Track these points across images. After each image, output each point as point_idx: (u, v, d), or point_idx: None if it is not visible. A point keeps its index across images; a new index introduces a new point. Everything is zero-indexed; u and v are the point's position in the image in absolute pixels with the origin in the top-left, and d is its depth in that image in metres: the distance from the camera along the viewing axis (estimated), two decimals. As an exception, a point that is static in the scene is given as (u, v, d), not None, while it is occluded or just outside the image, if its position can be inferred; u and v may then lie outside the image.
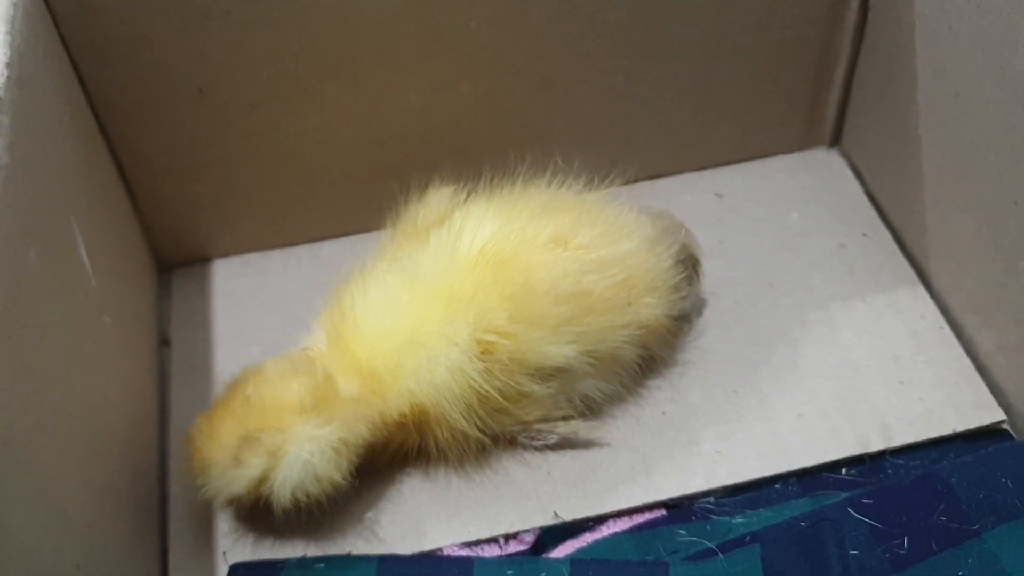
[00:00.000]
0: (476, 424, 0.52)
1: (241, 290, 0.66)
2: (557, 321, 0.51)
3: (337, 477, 0.49)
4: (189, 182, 0.63)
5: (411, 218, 0.58)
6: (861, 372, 0.59)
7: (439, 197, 0.58)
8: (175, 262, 0.68)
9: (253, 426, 0.48)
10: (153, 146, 0.61)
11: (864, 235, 0.67)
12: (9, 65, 0.44)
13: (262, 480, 0.48)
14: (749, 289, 0.64)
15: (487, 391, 0.51)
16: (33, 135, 0.46)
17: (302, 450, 0.48)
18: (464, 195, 0.58)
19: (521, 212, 0.54)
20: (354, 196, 0.67)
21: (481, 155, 0.65)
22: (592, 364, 0.53)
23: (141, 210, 0.64)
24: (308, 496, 0.49)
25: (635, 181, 0.70)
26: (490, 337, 0.50)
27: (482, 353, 0.51)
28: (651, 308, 0.54)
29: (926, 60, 0.59)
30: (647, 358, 0.58)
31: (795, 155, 0.73)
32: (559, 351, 0.52)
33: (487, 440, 0.54)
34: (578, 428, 0.56)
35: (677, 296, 0.56)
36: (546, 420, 0.55)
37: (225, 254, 0.68)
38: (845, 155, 0.72)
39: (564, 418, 0.55)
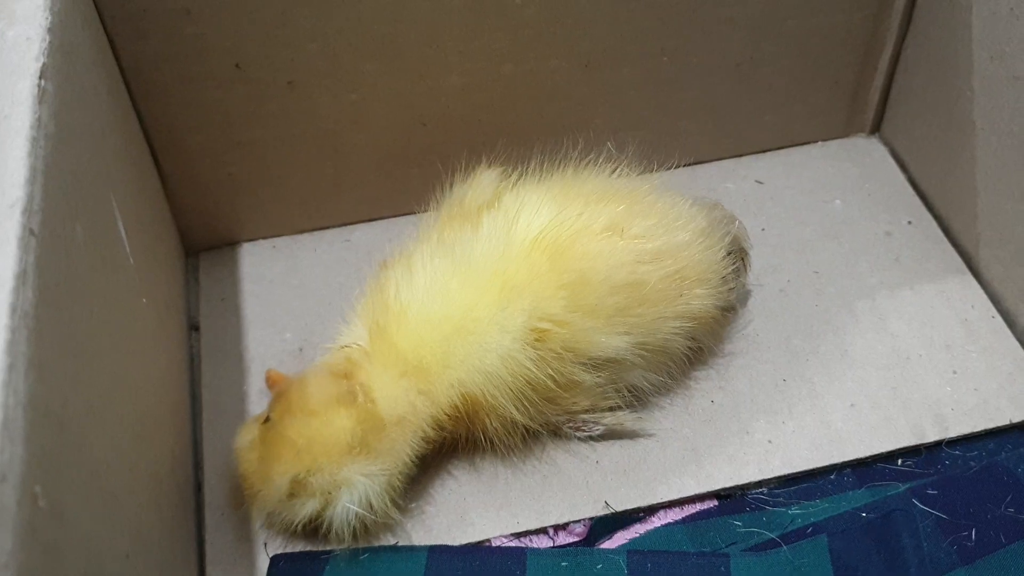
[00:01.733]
0: (526, 413, 0.51)
1: (271, 274, 0.64)
2: (611, 311, 0.50)
3: (392, 507, 0.49)
4: (221, 162, 0.61)
5: (457, 199, 0.56)
6: (912, 361, 0.58)
7: (487, 178, 0.56)
8: (202, 245, 0.66)
9: (303, 468, 0.47)
10: (186, 123, 0.59)
11: (909, 223, 0.65)
12: (51, 30, 0.42)
13: (317, 517, 0.48)
14: (794, 277, 0.63)
15: (538, 379, 0.49)
16: (75, 105, 0.44)
17: (355, 490, 0.48)
18: (513, 178, 0.56)
19: (576, 198, 0.52)
20: (390, 179, 0.65)
21: (522, 137, 0.64)
22: (642, 355, 0.52)
23: (171, 191, 0.62)
24: (367, 527, 0.49)
25: (676, 167, 0.69)
26: (544, 325, 0.49)
27: (535, 341, 0.49)
28: (701, 300, 0.53)
29: (983, 43, 0.58)
30: (695, 348, 0.56)
31: (835, 142, 0.71)
32: (611, 341, 0.50)
33: (536, 428, 0.52)
34: (624, 420, 0.54)
35: (726, 288, 0.55)
36: (593, 411, 0.53)
37: (253, 238, 0.66)
38: (886, 143, 0.71)
39: (611, 409, 0.54)
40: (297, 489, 0.48)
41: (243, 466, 0.50)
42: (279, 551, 0.51)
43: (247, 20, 0.54)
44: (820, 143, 0.71)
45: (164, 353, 0.53)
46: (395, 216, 0.67)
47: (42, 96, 0.39)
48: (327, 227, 0.67)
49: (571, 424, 0.54)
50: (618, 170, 0.56)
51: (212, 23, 0.54)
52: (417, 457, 0.51)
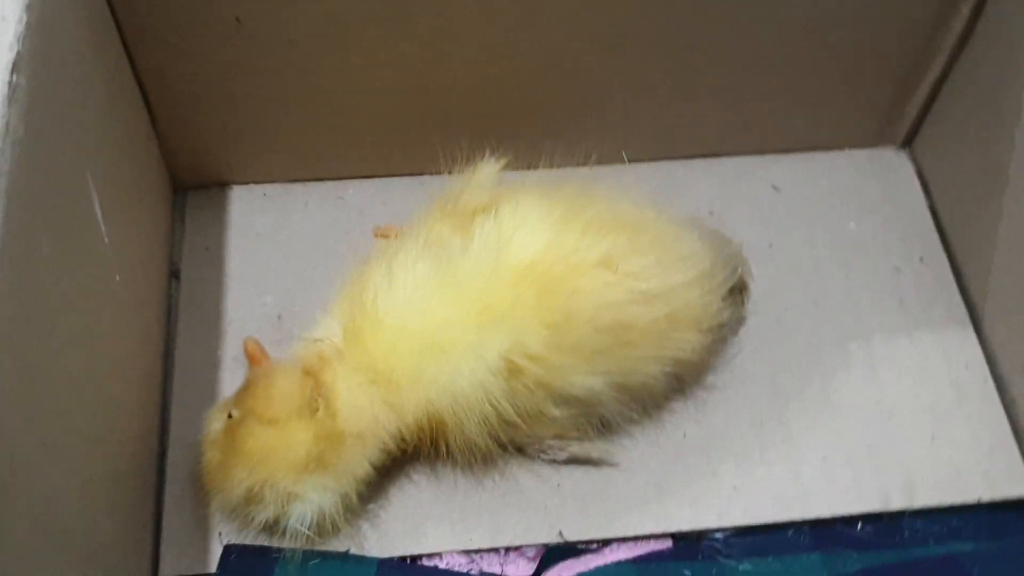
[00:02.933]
0: (491, 436, 0.50)
1: (258, 227, 0.62)
2: (591, 351, 0.48)
3: (345, 519, 0.49)
4: (214, 111, 0.58)
5: (453, 196, 0.53)
6: (894, 419, 0.57)
7: (486, 175, 0.54)
8: (192, 183, 0.63)
9: (257, 480, 0.47)
10: (180, 71, 0.55)
11: (921, 260, 0.63)
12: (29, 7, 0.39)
13: (271, 523, 0.48)
14: (792, 306, 0.61)
15: (507, 409, 0.49)
16: (52, 81, 0.40)
17: (308, 505, 0.47)
18: (513, 182, 0.53)
19: (574, 224, 0.49)
20: (389, 140, 0.62)
21: (534, 115, 0.61)
22: (617, 395, 0.51)
23: (160, 131, 0.59)
24: (322, 534, 0.49)
25: (692, 157, 0.66)
26: (521, 360, 0.48)
27: (509, 373, 0.48)
28: (690, 344, 0.51)
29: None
30: (675, 379, 0.55)
31: (863, 152, 0.67)
32: (586, 381, 0.49)
33: (498, 450, 0.52)
34: (590, 450, 0.54)
35: (720, 334, 0.53)
36: (559, 438, 0.53)
37: (244, 181, 0.64)
38: (915, 160, 0.67)
39: (578, 437, 0.53)
40: (251, 498, 0.48)
41: (205, 460, 0.50)
42: (233, 541, 0.51)
43: (249, -24, 0.50)
44: (847, 150, 0.67)
45: (138, 326, 0.52)
46: (392, 176, 0.64)
47: (12, 95, 0.36)
48: (321, 179, 0.64)
49: (536, 447, 0.53)
50: (626, 193, 0.53)
51: (213, -23, 0.50)
52: (376, 469, 0.50)
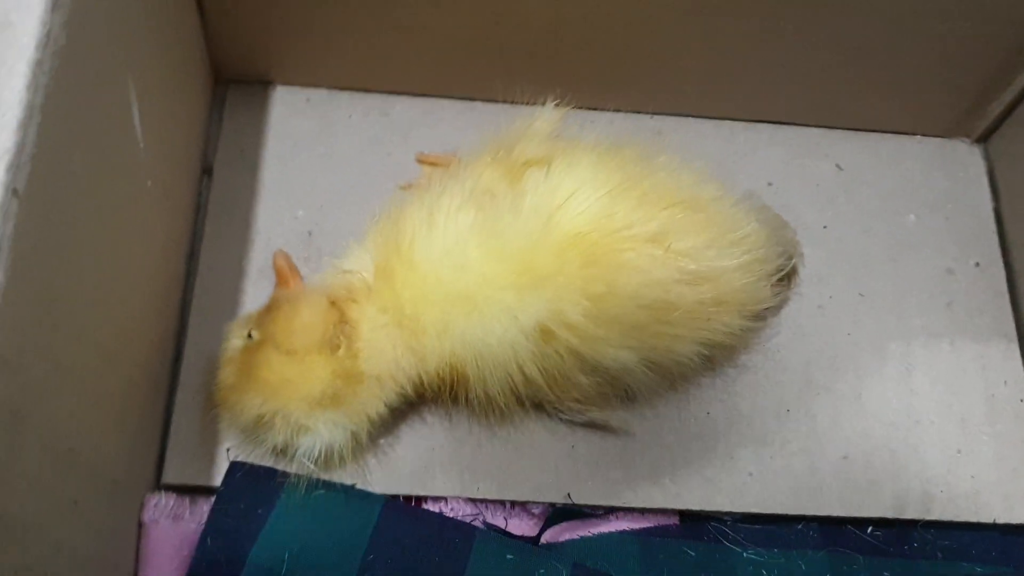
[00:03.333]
0: (513, 393, 0.49)
1: (298, 134, 0.59)
2: (629, 326, 0.47)
3: (353, 457, 0.48)
4: (266, 8, 0.55)
5: (507, 143, 0.51)
6: (922, 426, 0.56)
7: (544, 126, 0.51)
8: (234, 76, 0.60)
9: (269, 408, 0.46)
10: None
11: (976, 265, 0.60)
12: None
13: (282, 450, 0.47)
14: (838, 294, 0.59)
15: (533, 372, 0.47)
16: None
17: (317, 438, 0.47)
18: (570, 137, 0.51)
19: (629, 196, 0.47)
20: (445, 59, 0.59)
21: (604, 60, 0.58)
22: (648, 370, 0.49)
23: (207, 21, 0.56)
24: (327, 468, 0.48)
25: (758, 121, 0.63)
26: (557, 328, 0.46)
27: (542, 338, 0.46)
28: (730, 327, 0.49)
29: None
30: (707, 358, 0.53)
31: (935, 141, 0.64)
32: (619, 355, 0.47)
33: (517, 405, 0.50)
34: (609, 418, 0.52)
35: (763, 320, 0.51)
36: (581, 401, 0.51)
37: (289, 82, 0.61)
38: (988, 157, 0.64)
39: (600, 404, 0.52)
40: (261, 423, 0.47)
41: (219, 377, 0.49)
42: (241, 458, 0.50)
43: None
44: (919, 137, 0.64)
45: (165, 230, 0.50)
46: (442, 97, 0.61)
47: (57, 3, 0.34)
48: (368, 90, 0.61)
49: (556, 407, 0.52)
50: (687, 162, 0.50)
51: None
52: (390, 410, 0.49)
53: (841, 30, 0.55)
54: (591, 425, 0.53)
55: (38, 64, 0.32)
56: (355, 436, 0.48)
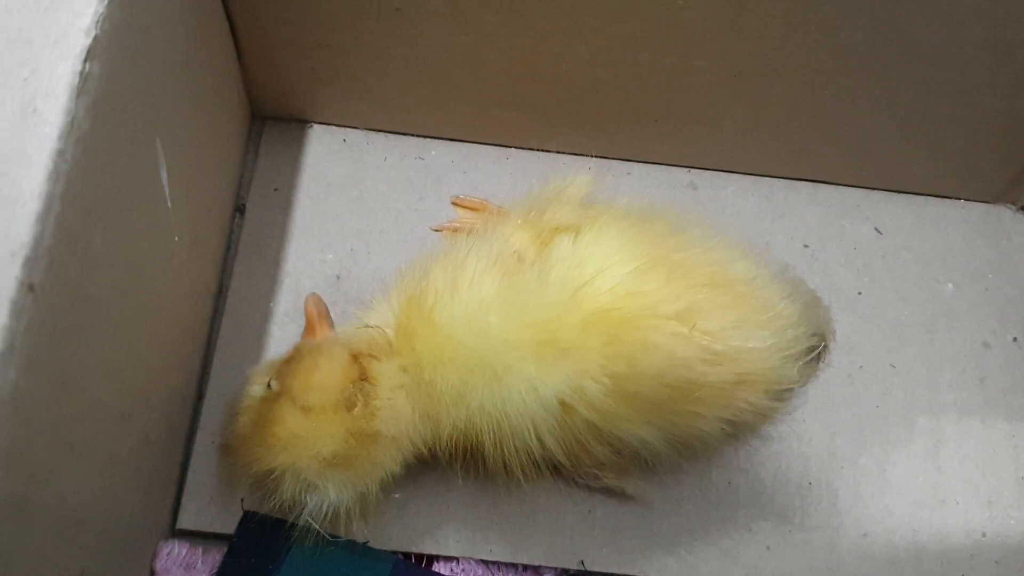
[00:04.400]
0: (528, 460, 0.48)
1: (332, 175, 0.59)
2: (651, 403, 0.46)
3: (362, 515, 0.47)
4: (304, 56, 0.55)
5: (539, 206, 0.50)
6: (947, 507, 0.55)
7: (576, 193, 0.51)
8: (271, 114, 0.60)
9: (280, 464, 0.46)
10: (273, 14, 0.52)
11: (1015, 340, 0.59)
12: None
13: (292, 506, 0.46)
14: (868, 365, 0.57)
15: (551, 444, 0.47)
16: (127, 49, 0.38)
17: (324, 499, 0.46)
18: (599, 208, 0.50)
19: (656, 272, 0.46)
20: (482, 109, 0.58)
21: (641, 118, 0.58)
22: (670, 445, 0.48)
23: (245, 64, 0.56)
24: (334, 528, 0.48)
25: (798, 179, 0.62)
26: (577, 404, 0.45)
27: (562, 412, 0.46)
28: (754, 406, 0.48)
29: None
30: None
31: (979, 207, 0.63)
32: (640, 431, 0.47)
33: (534, 470, 0.49)
34: (626, 486, 0.52)
35: (789, 398, 0.50)
36: (598, 468, 0.51)
37: (326, 122, 0.61)
38: (1034, 225, 0.62)
39: (618, 471, 0.51)
40: (271, 477, 0.47)
41: (237, 423, 0.49)
42: (255, 508, 0.51)
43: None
44: (962, 202, 0.63)
45: (192, 276, 0.51)
46: (477, 143, 0.61)
47: (83, 85, 0.34)
48: (405, 134, 0.61)
49: (574, 473, 0.52)
50: (720, 240, 0.50)
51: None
52: (405, 468, 0.49)
53: (887, 96, 0.54)
54: (608, 491, 0.53)
55: (60, 154, 0.33)
56: (364, 497, 0.48)
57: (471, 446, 0.48)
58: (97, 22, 0.35)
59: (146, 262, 0.43)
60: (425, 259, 0.50)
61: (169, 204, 0.45)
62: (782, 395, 0.51)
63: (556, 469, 0.52)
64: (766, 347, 0.47)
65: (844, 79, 0.53)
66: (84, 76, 0.34)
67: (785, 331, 0.48)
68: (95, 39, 0.34)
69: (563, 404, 0.46)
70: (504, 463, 0.48)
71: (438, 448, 0.48)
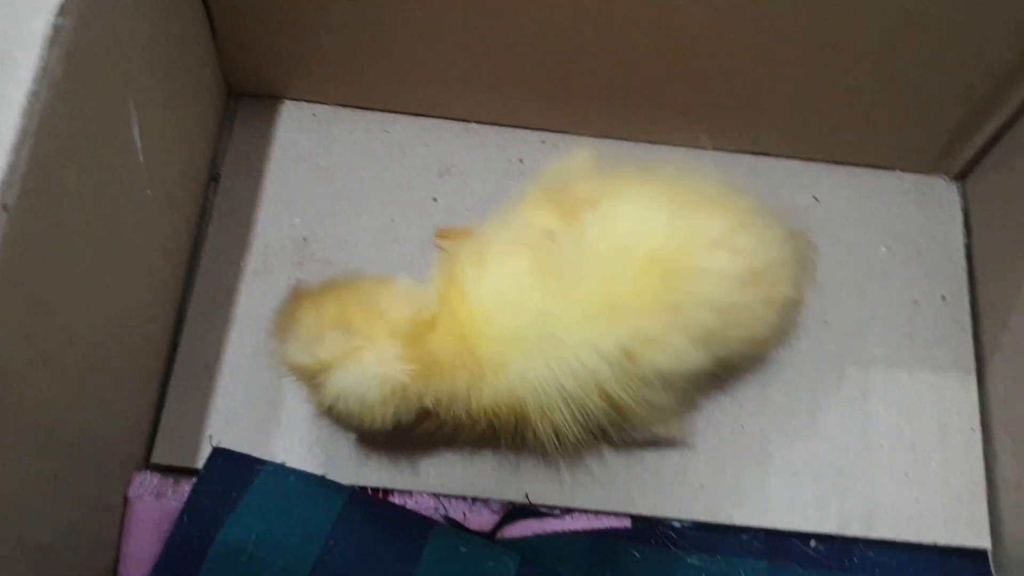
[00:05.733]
0: (581, 423, 0.50)
1: (301, 147, 0.64)
2: (706, 331, 0.49)
3: (379, 415, 0.48)
4: (275, 27, 0.59)
5: (555, 185, 0.53)
6: (872, 450, 0.58)
7: (585, 165, 0.54)
8: (246, 90, 0.65)
9: (349, 318, 0.48)
10: (245, -6, 0.57)
11: (943, 298, 0.63)
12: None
13: (323, 368, 0.48)
14: (801, 321, 0.61)
15: (616, 396, 0.49)
16: (102, 4, 0.43)
17: (366, 367, 0.47)
18: (607, 175, 0.53)
19: (686, 208, 0.50)
20: (443, 83, 0.63)
21: (592, 96, 0.61)
22: (711, 374, 0.52)
23: (220, 41, 0.60)
24: (345, 412, 0.48)
25: (739, 152, 0.66)
26: (638, 346, 0.48)
27: (626, 360, 0.48)
28: (771, 326, 0.52)
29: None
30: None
31: (913, 177, 0.66)
32: (700, 359, 0.49)
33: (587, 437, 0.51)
34: (675, 430, 0.55)
35: (791, 316, 0.55)
36: (650, 420, 0.53)
37: (296, 97, 0.65)
38: (965, 195, 0.66)
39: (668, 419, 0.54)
40: (330, 332, 0.48)
41: (301, 295, 0.51)
42: (222, 446, 0.55)
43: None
44: (897, 172, 0.66)
45: (166, 232, 0.55)
46: (441, 118, 0.65)
47: (56, 37, 0.39)
48: (372, 108, 0.65)
49: (621, 432, 0.53)
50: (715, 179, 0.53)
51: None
52: (429, 408, 0.50)
53: (824, 66, 0.58)
54: (655, 443, 0.56)
55: (34, 95, 0.37)
56: (392, 394, 0.47)
57: (514, 419, 0.50)
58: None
59: (119, 208, 0.47)
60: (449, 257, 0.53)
61: (141, 159, 0.49)
62: (786, 312, 0.54)
63: (602, 438, 0.53)
64: (783, 259, 0.52)
65: (774, 51, 0.57)
66: (57, 29, 0.39)
67: (790, 247, 0.53)
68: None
69: (627, 353, 0.48)
70: (555, 431, 0.50)
71: (481, 417, 0.50)
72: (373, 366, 0.47)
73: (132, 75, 0.47)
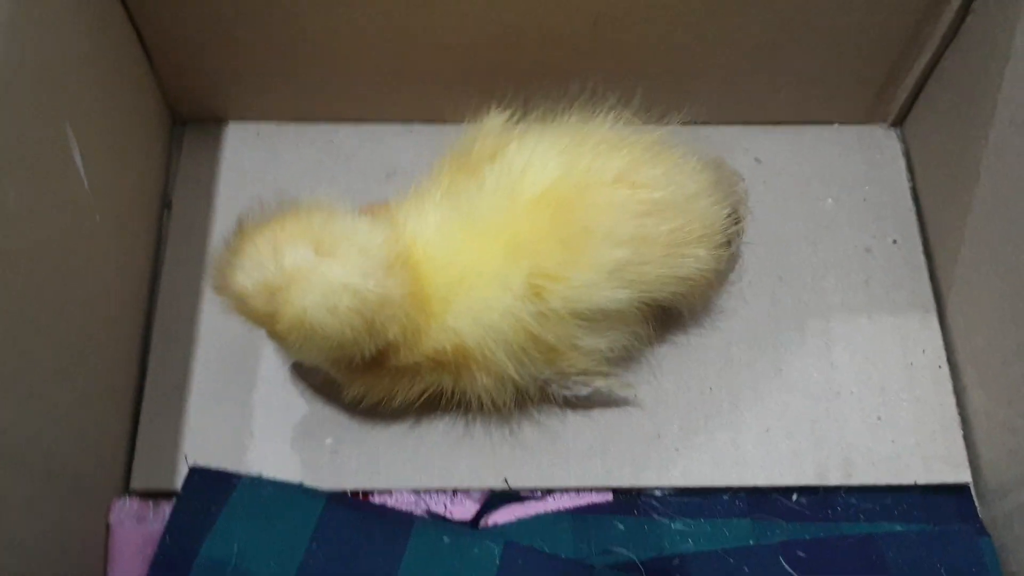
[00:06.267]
0: (522, 369, 0.51)
1: (248, 164, 0.65)
2: (612, 267, 0.49)
3: (350, 331, 0.46)
4: (209, 52, 0.60)
5: (465, 149, 0.54)
6: (842, 397, 0.59)
7: (493, 126, 0.54)
8: (190, 117, 0.66)
9: (316, 235, 0.46)
10: (174, 17, 0.57)
11: (894, 242, 0.63)
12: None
13: (286, 281, 0.45)
14: (756, 279, 0.62)
15: (541, 336, 0.50)
16: (32, 40, 0.43)
17: (336, 276, 0.45)
18: (518, 125, 0.54)
19: (584, 149, 0.51)
20: (378, 88, 0.64)
21: (523, 77, 0.61)
22: (639, 313, 0.52)
23: (158, 71, 0.61)
24: (310, 331, 0.46)
25: (679, 123, 0.66)
26: (543, 281, 0.49)
27: (535, 297, 0.49)
28: (701, 261, 0.52)
29: (1007, 103, 0.53)
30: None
31: (852, 128, 0.68)
32: (614, 295, 0.50)
33: (523, 386, 0.53)
34: (614, 386, 0.56)
35: (724, 251, 0.55)
36: (585, 373, 0.54)
37: (240, 118, 0.66)
38: (904, 139, 0.67)
39: (603, 374, 0.55)
40: (295, 240, 0.47)
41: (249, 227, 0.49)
42: (198, 465, 0.55)
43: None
44: (836, 125, 0.68)
45: (121, 257, 0.55)
46: (382, 122, 0.66)
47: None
48: (314, 121, 0.66)
49: (560, 384, 0.55)
50: (624, 119, 0.54)
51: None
52: (390, 333, 0.49)
53: (736, 29, 0.59)
54: (598, 398, 0.57)
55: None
56: (361, 308, 0.46)
57: (457, 366, 0.51)
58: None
59: (67, 231, 0.48)
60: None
61: (86, 184, 0.50)
62: (720, 251, 0.54)
63: (543, 390, 0.55)
64: (697, 190, 0.52)
65: (694, 15, 0.58)
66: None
67: (708, 176, 0.53)
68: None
69: (532, 288, 0.49)
70: (495, 378, 0.51)
71: (420, 374, 0.52)
72: (343, 277, 0.46)
73: (67, 100, 0.48)
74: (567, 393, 0.56)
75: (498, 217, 0.50)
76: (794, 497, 0.57)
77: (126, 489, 0.55)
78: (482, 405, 0.53)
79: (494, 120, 0.55)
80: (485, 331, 0.50)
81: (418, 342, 0.50)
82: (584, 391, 0.55)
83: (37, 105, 0.44)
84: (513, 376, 0.51)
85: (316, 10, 0.57)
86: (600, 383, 0.55)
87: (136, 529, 0.53)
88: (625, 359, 0.58)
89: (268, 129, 0.66)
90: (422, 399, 0.54)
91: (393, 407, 0.54)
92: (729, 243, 0.57)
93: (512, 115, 0.55)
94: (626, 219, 0.50)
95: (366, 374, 0.52)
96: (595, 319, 0.51)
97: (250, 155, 0.65)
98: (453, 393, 0.53)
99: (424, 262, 0.50)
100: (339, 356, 0.49)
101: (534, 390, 0.54)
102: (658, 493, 0.57)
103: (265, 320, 0.47)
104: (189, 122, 0.66)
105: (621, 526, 0.55)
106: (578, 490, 0.56)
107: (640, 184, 0.50)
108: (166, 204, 0.64)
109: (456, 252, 0.50)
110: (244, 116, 0.66)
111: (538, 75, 0.62)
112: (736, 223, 0.58)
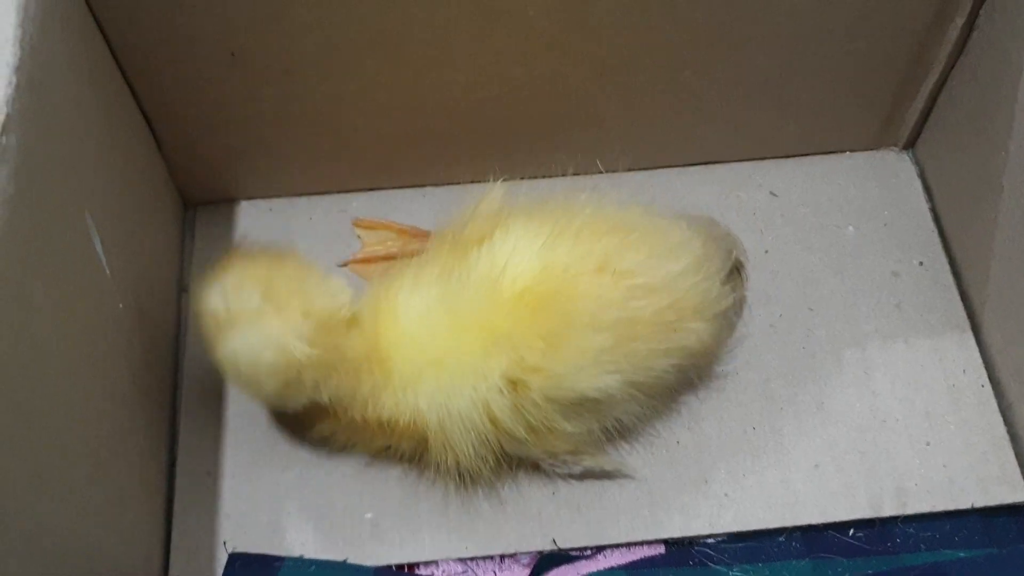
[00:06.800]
0: (491, 452, 0.51)
1: (263, 240, 0.64)
2: (597, 352, 0.49)
3: (267, 384, 0.48)
4: (216, 134, 0.60)
5: (459, 227, 0.54)
6: (888, 426, 0.57)
7: (489, 204, 0.55)
8: (201, 200, 0.65)
9: (273, 284, 0.48)
10: (181, 102, 0.57)
11: (920, 264, 0.63)
12: (18, 69, 0.41)
13: (229, 320, 0.48)
14: (787, 311, 0.61)
15: (514, 429, 0.50)
16: (46, 132, 0.43)
17: (269, 330, 0.47)
18: (506, 208, 0.54)
19: (564, 239, 0.50)
20: (389, 154, 0.63)
21: (530, 131, 0.63)
22: (634, 393, 0.51)
23: (167, 155, 0.61)
24: (235, 372, 0.49)
25: (690, 165, 0.66)
26: (523, 374, 0.49)
27: (514, 390, 0.49)
28: (696, 333, 0.52)
29: (1025, 113, 0.53)
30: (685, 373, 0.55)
31: (864, 155, 0.67)
32: (599, 382, 0.49)
33: (497, 465, 0.52)
34: (604, 463, 0.55)
35: (725, 322, 0.54)
36: (574, 453, 0.54)
37: (251, 196, 0.66)
38: (918, 161, 0.67)
39: (592, 452, 0.54)
40: (247, 288, 0.48)
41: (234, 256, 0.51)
42: (237, 550, 0.53)
43: (239, 13, 0.52)
44: (848, 153, 0.67)
45: (144, 344, 0.54)
46: (395, 188, 0.66)
47: (2, 155, 0.39)
48: (325, 192, 0.66)
49: (551, 462, 0.54)
50: (608, 197, 0.54)
51: (204, 15, 0.52)
52: (328, 396, 0.50)
53: (742, 65, 0.59)
54: (589, 474, 0.55)
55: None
56: (286, 369, 0.47)
57: (415, 436, 0.51)
58: (7, 102, 0.39)
59: (92, 322, 0.47)
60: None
61: (108, 273, 0.49)
62: (719, 318, 0.54)
63: (536, 466, 0.55)
64: (685, 268, 0.51)
65: (697, 55, 0.58)
66: (2, 147, 0.39)
67: (696, 250, 0.52)
68: (7, 116, 0.39)
69: (511, 381, 0.49)
70: (455, 458, 0.51)
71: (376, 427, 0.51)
72: (275, 332, 0.47)
73: (85, 190, 0.47)
74: (559, 471, 0.55)
75: (480, 311, 0.49)
76: (851, 532, 0.55)
77: (166, 584, 0.53)
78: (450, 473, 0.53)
79: (492, 196, 0.55)
80: (449, 414, 0.49)
81: (372, 406, 0.50)
82: (576, 469, 0.55)
83: (58, 196, 0.44)
84: (477, 459, 0.51)
85: (320, 82, 0.57)
86: (589, 462, 0.54)
87: (179, 624, 0.51)
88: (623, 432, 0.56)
89: (279, 204, 0.66)
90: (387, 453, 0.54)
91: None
92: (733, 293, 0.56)
93: (508, 175, 0.56)
94: (609, 306, 0.49)
95: (320, 421, 0.53)
96: (580, 404, 0.50)
97: (264, 231, 0.64)
98: (421, 456, 0.53)
99: (404, 337, 0.50)
100: (275, 402, 0.51)
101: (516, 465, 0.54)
102: (711, 541, 0.55)
103: (208, 346, 0.49)
104: (200, 204, 0.65)
105: (677, 578, 0.53)
106: (628, 545, 0.55)
107: (623, 271, 0.50)
108: (183, 288, 0.63)
109: (435, 336, 0.50)
110: (254, 194, 0.66)
111: (547, 131, 0.62)
112: (735, 290, 0.58)
